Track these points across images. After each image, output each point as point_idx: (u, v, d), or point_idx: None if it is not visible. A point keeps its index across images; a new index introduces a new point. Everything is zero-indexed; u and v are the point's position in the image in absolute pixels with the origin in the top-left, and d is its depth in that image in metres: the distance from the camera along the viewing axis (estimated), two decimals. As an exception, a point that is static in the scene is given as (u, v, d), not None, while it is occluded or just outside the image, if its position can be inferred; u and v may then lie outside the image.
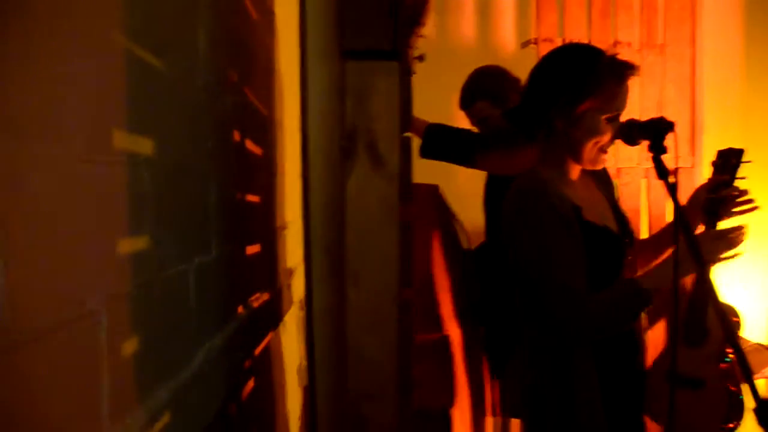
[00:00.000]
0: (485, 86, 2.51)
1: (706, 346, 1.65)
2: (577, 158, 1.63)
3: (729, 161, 1.72)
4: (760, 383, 2.85)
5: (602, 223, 1.64)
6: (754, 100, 3.79)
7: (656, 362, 1.93)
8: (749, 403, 1.66)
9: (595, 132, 1.58)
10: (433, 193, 2.47)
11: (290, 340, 1.81)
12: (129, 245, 0.67)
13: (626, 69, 1.59)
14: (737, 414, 1.81)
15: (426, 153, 2.31)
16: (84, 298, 0.56)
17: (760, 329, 3.36)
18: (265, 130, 1.48)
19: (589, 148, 1.60)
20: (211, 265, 0.94)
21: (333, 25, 0.84)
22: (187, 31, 0.86)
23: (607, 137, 1.59)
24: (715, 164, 1.74)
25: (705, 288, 1.29)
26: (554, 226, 1.55)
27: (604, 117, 1.57)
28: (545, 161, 1.66)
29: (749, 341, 2.62)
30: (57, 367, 0.52)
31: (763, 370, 2.46)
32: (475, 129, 2.57)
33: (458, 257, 2.49)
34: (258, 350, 1.32)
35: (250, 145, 1.26)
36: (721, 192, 1.68)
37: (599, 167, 1.68)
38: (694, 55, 3.21)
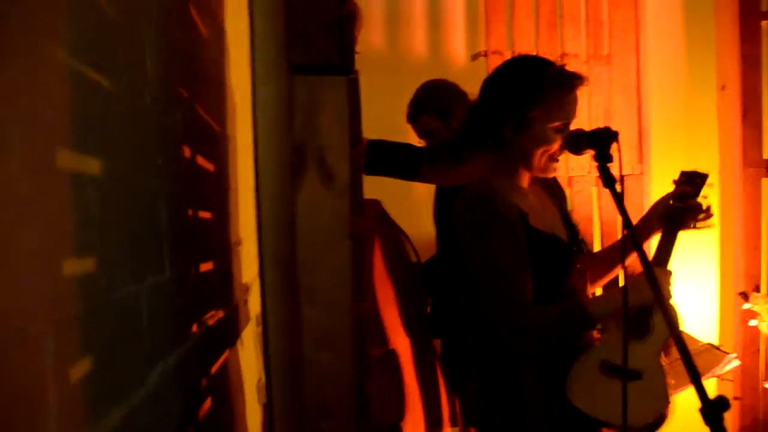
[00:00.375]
0: (431, 100, 2.54)
1: (648, 340, 1.70)
2: (527, 166, 1.66)
3: (693, 182, 1.79)
4: (712, 382, 2.93)
5: (550, 231, 1.67)
6: (697, 108, 3.92)
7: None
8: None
9: (543, 141, 1.61)
10: (374, 207, 2.48)
11: (248, 357, 1.79)
12: (76, 267, 0.65)
13: (573, 79, 1.63)
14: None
15: (370, 169, 2.32)
16: (25, 324, 0.54)
17: (711, 330, 3.45)
18: (217, 145, 1.47)
19: (538, 157, 1.63)
20: (164, 284, 0.93)
21: (280, 41, 0.84)
22: (133, 47, 0.85)
23: (555, 146, 1.62)
24: (677, 183, 1.80)
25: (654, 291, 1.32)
26: (500, 233, 1.57)
27: (551, 126, 1.60)
28: (496, 170, 1.69)
29: (700, 342, 2.69)
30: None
31: (713, 369, 2.52)
32: (421, 142, 2.60)
33: (406, 270, 2.50)
34: (214, 369, 1.30)
35: (201, 161, 1.25)
36: (688, 202, 1.72)
37: (549, 175, 1.71)
38: (639, 65, 3.31)
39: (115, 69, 0.77)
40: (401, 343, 2.32)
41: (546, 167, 1.66)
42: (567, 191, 2.76)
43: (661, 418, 1.64)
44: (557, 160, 1.66)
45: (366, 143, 2.31)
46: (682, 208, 1.74)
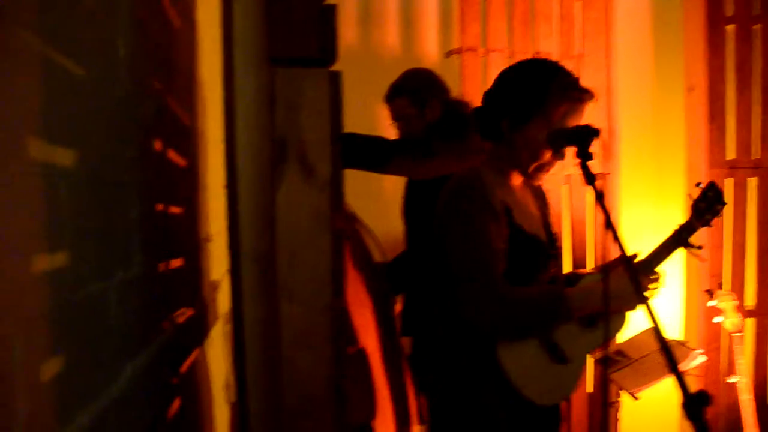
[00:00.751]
0: (410, 85, 2.56)
1: (593, 333, 1.75)
2: (517, 167, 1.67)
3: (707, 197, 1.87)
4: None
5: (532, 231, 1.68)
6: (664, 109, 3.98)
7: None
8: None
9: (534, 144, 1.61)
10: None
11: (217, 356, 1.76)
12: (45, 263, 0.63)
13: (580, 93, 1.63)
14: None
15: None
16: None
17: (677, 326, 3.51)
18: (189, 140, 1.44)
19: (527, 160, 1.64)
20: (133, 281, 0.90)
21: (261, 33, 0.82)
22: (106, 38, 0.82)
23: (546, 156, 1.63)
24: (698, 200, 1.88)
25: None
26: (484, 220, 1.58)
27: (546, 135, 1.60)
28: (489, 163, 1.69)
29: (667, 338, 2.73)
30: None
31: (680, 365, 2.57)
32: (393, 125, 2.61)
33: (372, 268, 2.49)
34: (184, 367, 1.27)
35: (172, 155, 1.22)
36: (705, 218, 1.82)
37: (535, 183, 1.73)
38: (609, 66, 3.34)
39: (87, 58, 0.74)
40: (370, 342, 2.31)
41: (533, 173, 1.67)
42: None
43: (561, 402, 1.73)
44: (546, 170, 1.67)
45: None
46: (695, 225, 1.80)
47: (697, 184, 1.92)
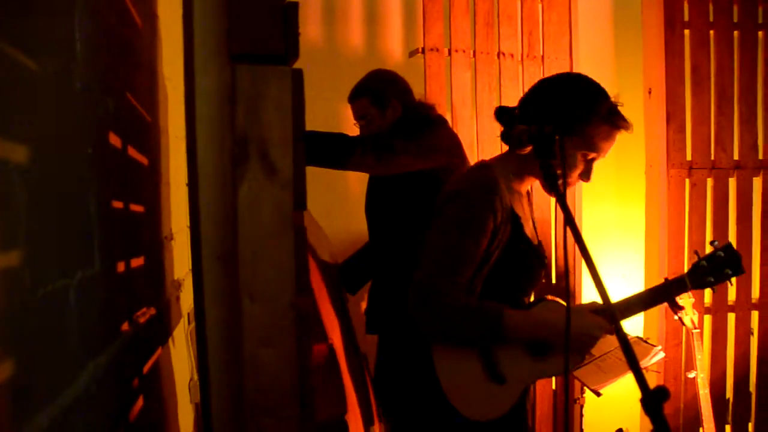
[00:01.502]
0: (371, 86, 2.59)
1: (537, 363, 1.74)
2: (537, 175, 1.67)
3: (726, 267, 1.75)
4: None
5: (535, 241, 1.70)
6: (625, 110, 4.04)
7: None
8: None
9: (568, 163, 1.62)
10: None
11: (180, 355, 1.74)
12: (1, 261, 0.61)
13: (621, 121, 1.64)
14: None
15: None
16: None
17: (638, 323, 3.58)
18: (150, 137, 1.42)
19: (563, 173, 1.63)
20: (93, 280, 0.88)
21: (222, 29, 0.82)
22: (61, 31, 0.80)
23: (573, 174, 1.63)
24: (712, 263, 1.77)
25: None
26: (481, 221, 1.57)
27: (580, 152, 1.61)
28: (502, 166, 1.69)
29: (629, 335, 2.79)
30: None
31: (642, 361, 2.62)
32: (356, 124, 2.63)
33: (329, 266, 2.51)
34: (146, 368, 1.26)
35: (133, 152, 1.21)
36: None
37: (551, 193, 1.70)
38: (572, 67, 3.39)
39: (41, 52, 0.73)
40: (336, 338, 2.31)
41: (552, 185, 1.65)
42: None
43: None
44: (567, 186, 1.66)
45: None
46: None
47: (712, 242, 1.81)
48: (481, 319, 1.58)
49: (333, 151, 2.31)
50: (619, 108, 1.65)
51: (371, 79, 2.64)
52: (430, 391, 1.63)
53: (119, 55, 1.10)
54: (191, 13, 0.87)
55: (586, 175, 1.66)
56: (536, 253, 1.70)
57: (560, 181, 1.40)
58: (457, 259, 1.57)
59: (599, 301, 1.23)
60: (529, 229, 1.69)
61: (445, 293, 1.56)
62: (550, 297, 1.74)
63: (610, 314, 1.68)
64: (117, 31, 1.08)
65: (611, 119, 1.61)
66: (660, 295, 1.78)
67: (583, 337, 1.62)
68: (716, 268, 1.75)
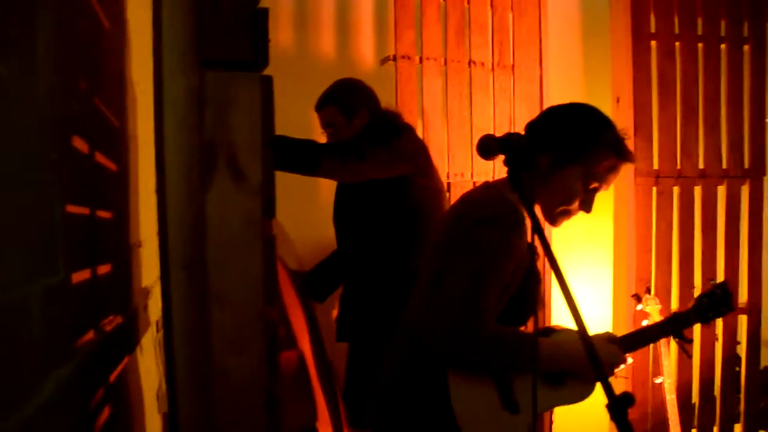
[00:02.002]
0: (338, 94, 2.60)
1: (554, 392, 1.75)
2: (542, 206, 1.66)
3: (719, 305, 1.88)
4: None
5: (537, 269, 1.70)
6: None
7: None
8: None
9: (568, 189, 1.61)
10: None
11: (148, 364, 1.72)
12: (-41, 269, 0.60)
13: (626, 152, 1.64)
14: None
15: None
16: None
17: (605, 328, 3.62)
18: (117, 141, 1.40)
19: (554, 203, 1.64)
20: (58, 287, 0.87)
21: (191, 34, 0.81)
22: (24, 34, 0.79)
23: (575, 203, 1.63)
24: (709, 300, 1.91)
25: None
26: (507, 254, 1.54)
27: (583, 181, 1.61)
28: (510, 191, 1.64)
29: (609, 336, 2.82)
30: None
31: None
32: (324, 133, 2.64)
33: (293, 274, 2.51)
34: (113, 377, 1.23)
35: (100, 157, 1.19)
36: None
37: (555, 225, 1.70)
38: (542, 76, 3.43)
39: (2, 53, 0.71)
40: (305, 346, 2.31)
41: (555, 216, 1.66)
42: (447, 196, 2.85)
43: None
44: (568, 217, 1.67)
45: None
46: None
47: (710, 280, 1.94)
48: (519, 349, 1.55)
49: (302, 157, 2.31)
50: (625, 140, 1.66)
51: (338, 88, 2.64)
52: (443, 419, 1.59)
53: (86, 59, 1.09)
54: (160, 18, 0.86)
55: (587, 205, 1.66)
56: (539, 280, 1.71)
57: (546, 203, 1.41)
58: (488, 285, 1.52)
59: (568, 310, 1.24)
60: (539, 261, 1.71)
61: (482, 327, 1.50)
62: (557, 326, 1.75)
63: (624, 344, 1.75)
64: (83, 34, 1.06)
65: (616, 149, 1.62)
66: (666, 330, 1.86)
67: (605, 366, 1.65)
68: (714, 304, 1.88)
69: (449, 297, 1.52)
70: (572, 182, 1.61)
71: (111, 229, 1.28)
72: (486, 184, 1.75)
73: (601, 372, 1.07)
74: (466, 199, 1.74)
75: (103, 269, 1.19)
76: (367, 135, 2.53)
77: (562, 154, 1.61)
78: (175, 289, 0.85)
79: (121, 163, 1.42)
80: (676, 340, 1.89)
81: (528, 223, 1.60)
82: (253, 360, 0.79)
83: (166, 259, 0.91)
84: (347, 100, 2.59)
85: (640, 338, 1.83)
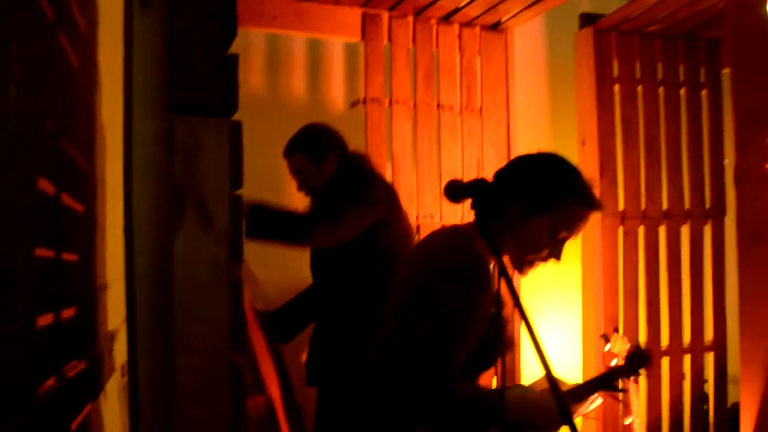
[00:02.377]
0: (307, 140, 2.62)
1: None
2: (509, 255, 1.66)
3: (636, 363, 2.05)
4: (577, 421, 3.06)
5: (507, 315, 1.70)
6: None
7: None
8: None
9: (536, 239, 1.62)
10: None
11: (112, 410, 1.67)
12: None
13: (594, 201, 1.65)
14: None
15: (252, 232, 2.32)
16: None
17: (576, 371, 3.63)
18: (85, 184, 1.39)
19: (523, 252, 1.64)
20: (16, 333, 0.85)
21: (161, 79, 0.81)
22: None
23: (543, 252, 1.64)
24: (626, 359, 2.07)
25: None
26: (476, 308, 1.54)
27: (551, 230, 1.62)
28: (478, 239, 1.62)
29: (566, 383, 2.82)
30: None
31: (580, 409, 2.65)
32: (292, 179, 2.65)
33: (260, 316, 2.49)
34: (74, 425, 1.20)
35: (67, 200, 1.17)
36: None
37: (522, 275, 1.70)
38: (509, 119, 3.50)
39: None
40: (274, 390, 2.28)
41: (522, 266, 1.66)
42: (416, 238, 2.87)
43: None
44: (536, 265, 1.67)
45: (247, 207, 2.31)
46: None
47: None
48: (488, 407, 1.54)
49: (284, 227, 2.34)
50: (592, 189, 1.67)
51: (307, 134, 2.65)
52: None
53: (55, 100, 1.08)
54: (131, 62, 0.87)
55: (556, 255, 1.67)
56: (505, 327, 1.71)
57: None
58: (456, 344, 1.52)
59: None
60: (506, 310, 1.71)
61: (451, 389, 1.50)
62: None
63: (573, 396, 1.87)
64: (54, 76, 1.06)
65: (584, 199, 1.63)
66: (601, 383, 1.99)
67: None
68: (635, 363, 2.07)
69: (418, 359, 1.52)
70: (540, 232, 1.62)
71: (76, 272, 1.26)
72: (454, 228, 1.75)
73: (568, 414, 1.07)
74: (434, 244, 1.73)
75: (68, 313, 1.17)
76: (336, 187, 2.54)
77: (530, 204, 1.61)
78: (141, 333, 0.84)
79: (89, 205, 1.40)
80: (610, 392, 2.02)
81: (495, 269, 1.61)
82: (218, 407, 0.78)
83: (132, 302, 0.90)
84: (316, 146, 2.60)
85: (580, 392, 1.92)
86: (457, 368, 1.53)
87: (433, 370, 1.50)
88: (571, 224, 1.63)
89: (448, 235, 1.74)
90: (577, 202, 1.63)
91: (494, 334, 1.64)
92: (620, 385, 1.96)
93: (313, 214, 2.46)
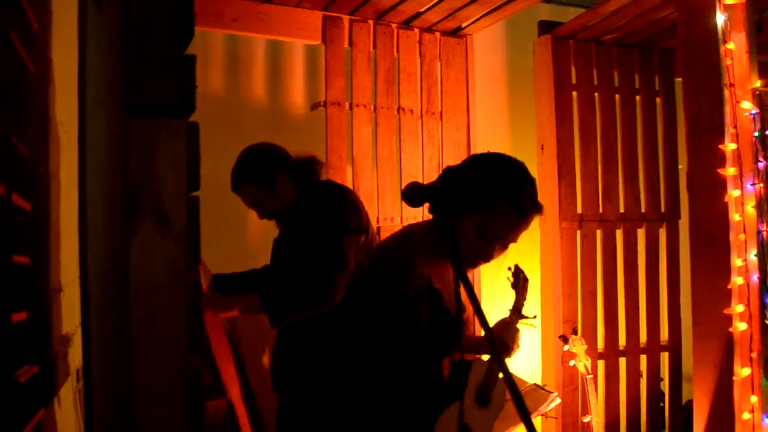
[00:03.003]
0: (250, 168, 2.49)
1: (488, 409, 1.84)
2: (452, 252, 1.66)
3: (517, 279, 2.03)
4: (537, 420, 3.10)
5: (453, 311, 1.71)
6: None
7: None
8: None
9: (465, 241, 1.61)
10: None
11: (66, 416, 1.63)
12: None
13: (524, 210, 1.59)
14: None
15: (277, 321, 2.34)
16: None
17: (535, 371, 3.68)
18: (37, 183, 1.36)
19: (464, 249, 1.62)
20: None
21: (116, 78, 0.80)
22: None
23: (474, 252, 1.62)
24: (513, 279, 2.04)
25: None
26: (398, 293, 1.60)
27: (475, 233, 1.59)
28: (427, 232, 1.68)
29: (527, 383, 2.86)
30: None
31: (539, 408, 2.69)
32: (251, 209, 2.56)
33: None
34: (27, 430, 1.17)
35: (17, 199, 1.14)
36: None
37: (471, 268, 1.71)
38: (469, 123, 3.53)
39: None
40: (234, 391, 2.26)
41: (468, 261, 1.65)
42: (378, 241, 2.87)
43: None
44: (484, 260, 1.66)
45: (256, 300, 2.34)
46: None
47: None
48: None
49: (307, 303, 2.33)
50: (533, 191, 1.63)
51: (248, 162, 2.52)
52: None
53: (5, 99, 1.06)
54: (85, 61, 0.85)
55: (485, 256, 1.64)
56: (454, 323, 1.71)
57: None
58: (382, 325, 1.60)
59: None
60: (449, 301, 1.71)
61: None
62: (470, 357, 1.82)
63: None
64: (4, 75, 1.04)
65: (513, 204, 1.57)
66: (513, 319, 1.96)
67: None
68: (519, 282, 2.04)
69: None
70: (467, 232, 1.60)
71: (28, 274, 1.23)
72: (405, 227, 1.79)
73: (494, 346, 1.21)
74: (379, 244, 1.81)
75: (18, 316, 1.14)
76: (312, 213, 2.48)
77: (459, 205, 1.60)
78: (96, 336, 0.83)
79: (41, 205, 1.37)
80: (524, 322, 2.03)
81: (423, 271, 1.64)
82: (175, 411, 0.77)
83: (87, 305, 0.88)
84: (262, 172, 2.48)
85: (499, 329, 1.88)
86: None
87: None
88: (500, 227, 1.59)
89: (394, 234, 1.77)
90: (504, 207, 1.58)
91: (440, 329, 1.67)
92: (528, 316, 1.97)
93: (319, 269, 2.34)
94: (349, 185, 3.20)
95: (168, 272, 0.77)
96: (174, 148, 0.76)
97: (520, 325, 1.87)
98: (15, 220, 1.14)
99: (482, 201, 1.58)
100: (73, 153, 1.26)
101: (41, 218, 1.37)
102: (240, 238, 3.36)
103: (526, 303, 1.94)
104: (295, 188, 2.54)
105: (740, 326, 2.49)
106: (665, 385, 3.77)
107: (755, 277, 2.52)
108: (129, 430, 0.80)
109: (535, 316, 1.96)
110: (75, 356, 1.69)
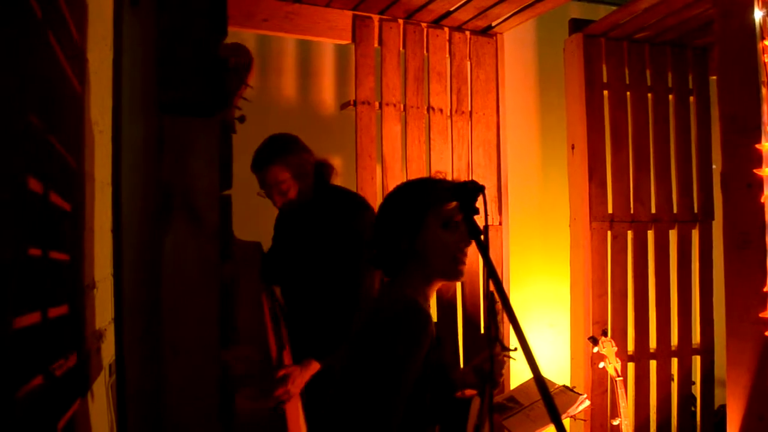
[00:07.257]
0: (283, 150, 2.50)
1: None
2: (434, 273, 1.63)
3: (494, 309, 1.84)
4: (565, 423, 3.08)
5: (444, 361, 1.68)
6: (549, 165, 4.20)
7: None
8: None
9: (437, 241, 1.59)
10: (256, 249, 2.44)
11: (99, 409, 1.67)
12: None
13: (460, 185, 1.55)
14: None
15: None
16: None
17: (565, 372, 3.65)
18: (74, 182, 1.38)
19: (438, 260, 1.60)
20: (3, 333, 0.84)
21: (151, 77, 0.81)
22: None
23: (453, 246, 1.60)
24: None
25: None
26: (412, 361, 1.50)
27: (442, 229, 1.58)
28: (408, 281, 1.63)
29: (556, 384, 2.84)
30: None
31: (568, 410, 2.67)
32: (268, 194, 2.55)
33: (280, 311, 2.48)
34: (62, 423, 1.19)
35: (55, 198, 1.17)
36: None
37: (458, 278, 1.66)
38: (499, 123, 3.51)
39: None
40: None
41: (450, 269, 1.62)
42: None
43: None
44: (462, 262, 1.62)
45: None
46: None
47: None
48: None
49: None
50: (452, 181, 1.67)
51: (283, 144, 2.52)
52: None
53: (44, 97, 1.08)
54: (121, 61, 0.87)
55: (464, 240, 1.62)
56: (447, 380, 1.69)
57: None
58: (395, 399, 1.49)
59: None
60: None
61: None
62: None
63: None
64: (40, 74, 1.06)
65: (438, 198, 1.62)
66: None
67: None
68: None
69: (361, 419, 1.50)
70: (432, 233, 1.60)
71: (65, 270, 1.26)
72: (395, 287, 1.67)
73: (556, 414, 1.09)
74: (372, 303, 1.71)
75: (55, 312, 1.17)
76: (335, 218, 2.48)
77: (412, 227, 1.60)
78: (129, 332, 0.84)
79: (78, 203, 1.40)
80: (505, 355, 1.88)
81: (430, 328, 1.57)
82: (206, 406, 0.78)
83: (120, 301, 0.90)
84: (295, 157, 2.50)
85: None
86: (396, 420, 1.49)
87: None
88: (451, 211, 1.60)
89: (384, 293, 1.71)
90: (436, 205, 1.61)
91: (431, 388, 1.60)
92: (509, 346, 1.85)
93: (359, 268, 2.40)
94: (378, 184, 3.21)
95: (200, 269, 0.78)
96: (207, 147, 0.77)
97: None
98: (52, 218, 1.16)
99: (427, 200, 1.61)
100: (108, 152, 1.28)
101: (77, 216, 1.40)
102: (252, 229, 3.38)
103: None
104: (312, 186, 2.55)
105: (776, 330, 2.43)
106: (696, 389, 3.70)
107: (792, 280, 2.46)
108: (160, 425, 0.81)
109: (515, 348, 1.80)
110: (107, 351, 1.72)
